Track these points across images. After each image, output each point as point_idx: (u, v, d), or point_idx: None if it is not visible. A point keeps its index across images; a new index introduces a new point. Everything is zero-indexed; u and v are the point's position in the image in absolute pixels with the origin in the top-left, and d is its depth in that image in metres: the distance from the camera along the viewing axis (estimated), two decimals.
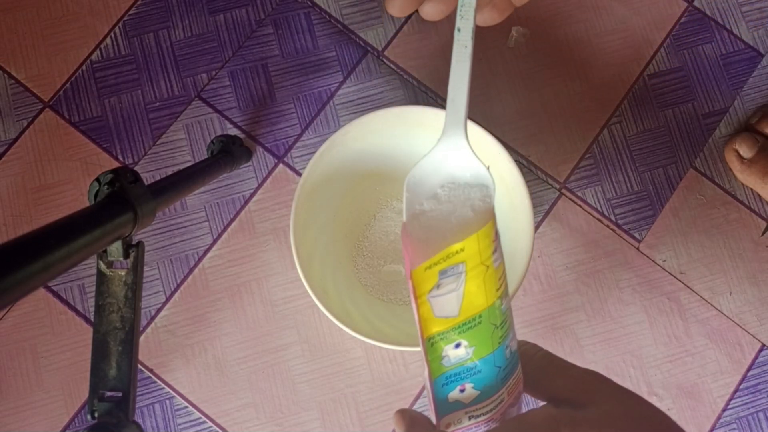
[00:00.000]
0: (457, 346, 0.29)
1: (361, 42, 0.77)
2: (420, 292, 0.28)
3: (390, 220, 0.71)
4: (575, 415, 0.28)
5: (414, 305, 0.28)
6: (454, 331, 0.28)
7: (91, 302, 0.72)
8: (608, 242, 0.74)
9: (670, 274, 0.74)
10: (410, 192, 0.33)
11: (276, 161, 0.75)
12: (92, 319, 0.55)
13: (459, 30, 0.36)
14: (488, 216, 0.28)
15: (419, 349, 0.58)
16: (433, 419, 0.31)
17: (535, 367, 0.31)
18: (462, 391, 0.30)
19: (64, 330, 0.71)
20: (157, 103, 0.75)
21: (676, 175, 0.76)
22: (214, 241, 0.73)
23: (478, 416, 0.30)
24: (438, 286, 0.28)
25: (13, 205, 0.73)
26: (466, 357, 0.29)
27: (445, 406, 0.30)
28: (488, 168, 0.31)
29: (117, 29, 0.76)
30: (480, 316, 0.28)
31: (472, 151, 0.32)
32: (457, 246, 0.27)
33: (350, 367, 0.72)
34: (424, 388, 0.72)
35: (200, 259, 0.73)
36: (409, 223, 0.30)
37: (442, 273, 0.27)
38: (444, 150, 0.33)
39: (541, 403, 0.31)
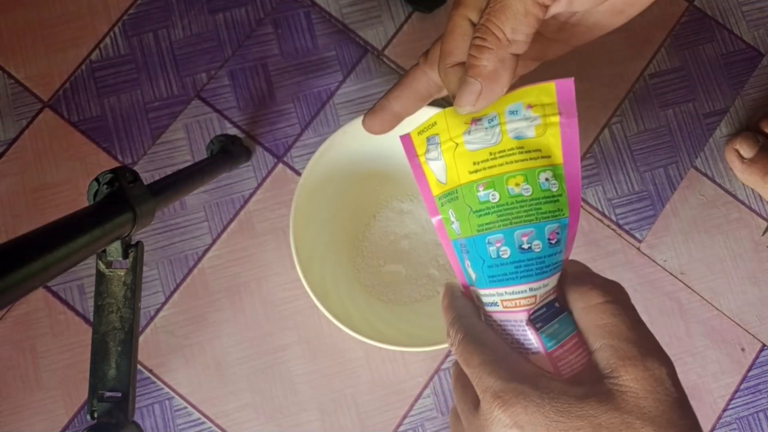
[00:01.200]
0: (452, 214, 0.31)
1: (360, 41, 0.77)
2: (419, 152, 0.32)
3: (390, 220, 0.70)
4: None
5: (417, 164, 0.32)
6: (445, 198, 0.31)
7: (91, 302, 0.72)
8: (609, 242, 0.74)
9: (671, 274, 0.74)
10: None
11: (276, 161, 0.75)
12: (91, 320, 0.55)
13: None
14: None
15: (420, 349, 0.58)
16: (458, 278, 0.32)
17: (583, 306, 0.28)
18: (468, 266, 0.31)
19: (64, 330, 0.71)
20: (157, 103, 0.75)
21: (677, 174, 0.76)
22: (214, 241, 0.73)
23: (485, 303, 0.31)
24: (427, 150, 0.31)
25: (12, 204, 0.73)
26: (458, 231, 0.31)
27: (465, 274, 0.32)
28: None
29: (116, 29, 0.76)
30: (456, 191, 0.30)
31: None
32: (432, 118, 0.30)
33: (350, 368, 0.72)
34: (424, 388, 0.72)
35: (199, 259, 0.73)
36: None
37: (429, 140, 0.31)
38: None
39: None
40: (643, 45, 0.78)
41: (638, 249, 0.74)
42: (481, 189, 0.29)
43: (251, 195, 0.74)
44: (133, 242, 0.46)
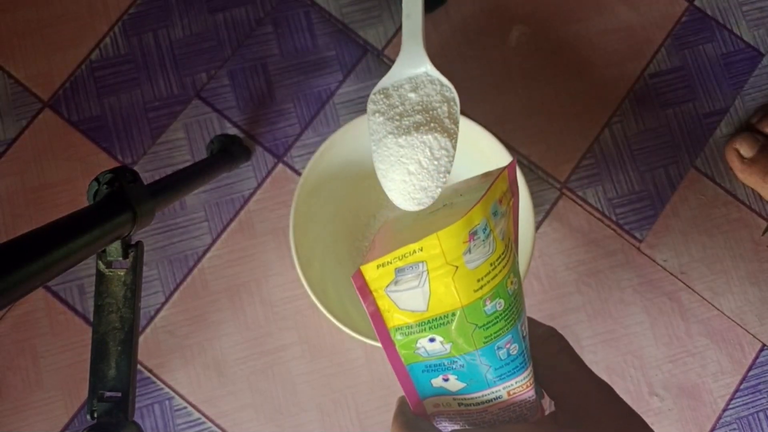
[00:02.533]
0: (432, 340, 0.29)
1: (360, 41, 0.77)
2: (374, 287, 0.28)
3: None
4: None
5: (367, 299, 0.28)
6: (425, 326, 0.28)
7: (91, 302, 0.72)
8: (609, 242, 0.74)
9: (671, 274, 0.74)
10: (374, 103, 0.36)
11: (275, 161, 0.74)
12: (91, 319, 0.55)
13: None
14: (458, 216, 0.28)
15: None
16: (407, 397, 0.31)
17: (546, 364, 0.31)
18: (446, 380, 0.30)
19: (64, 330, 0.71)
20: (157, 103, 0.75)
21: (677, 174, 0.76)
22: (214, 241, 0.73)
23: (469, 405, 0.30)
24: (396, 282, 0.28)
25: (12, 204, 0.73)
26: (443, 351, 0.29)
27: (427, 389, 0.30)
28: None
29: (116, 28, 0.76)
30: (453, 315, 0.28)
31: (433, 67, 0.36)
32: (413, 246, 0.27)
33: (350, 368, 0.72)
34: None
35: (199, 259, 0.73)
36: (390, 223, 0.31)
37: (399, 270, 0.27)
38: (404, 62, 0.36)
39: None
40: (643, 45, 0.78)
41: (638, 249, 0.74)
42: (488, 303, 0.28)
43: (251, 195, 0.74)
44: (133, 242, 0.46)
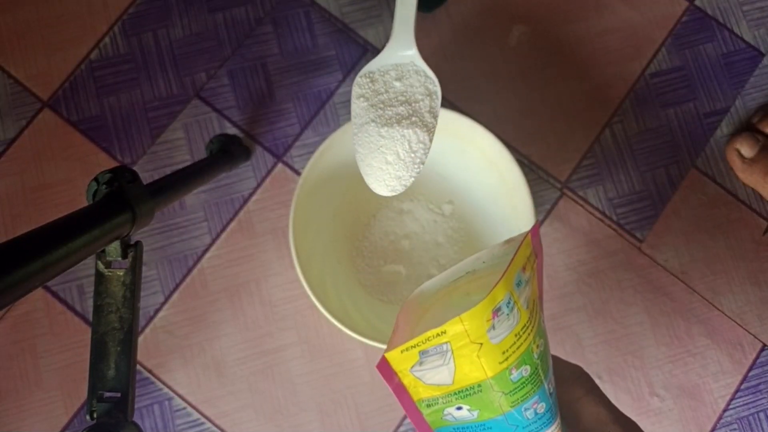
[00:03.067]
0: (459, 408, 0.29)
1: (360, 41, 0.77)
2: (399, 368, 0.29)
3: (390, 220, 0.70)
4: None
5: (392, 380, 0.29)
6: (451, 397, 0.29)
7: (90, 302, 0.71)
8: (610, 242, 0.74)
9: (672, 274, 0.74)
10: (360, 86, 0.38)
11: (275, 160, 0.74)
12: (91, 320, 0.55)
13: None
14: (481, 283, 0.28)
15: None
16: None
17: (573, 407, 0.32)
18: None
19: (63, 330, 0.71)
20: (156, 102, 0.75)
21: (678, 174, 0.76)
22: (213, 241, 0.73)
23: None
24: (420, 363, 0.28)
25: (11, 204, 0.73)
26: (471, 417, 0.29)
27: None
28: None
29: (116, 28, 0.76)
30: (480, 386, 0.28)
31: (420, 57, 0.39)
32: (436, 330, 0.27)
33: (350, 368, 0.72)
34: None
35: (199, 259, 0.73)
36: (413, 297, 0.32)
37: (423, 353, 0.28)
38: (394, 46, 0.38)
39: None
40: (643, 45, 0.78)
41: (639, 249, 0.74)
42: (514, 371, 0.28)
43: (251, 195, 0.74)
44: (132, 242, 0.46)
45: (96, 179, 0.43)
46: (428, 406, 0.30)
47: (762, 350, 0.73)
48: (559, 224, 0.74)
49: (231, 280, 0.72)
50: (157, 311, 0.72)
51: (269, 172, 0.74)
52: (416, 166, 0.40)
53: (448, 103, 0.76)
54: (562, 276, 0.73)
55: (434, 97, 0.42)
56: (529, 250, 0.30)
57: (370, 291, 0.69)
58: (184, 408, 0.70)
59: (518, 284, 0.29)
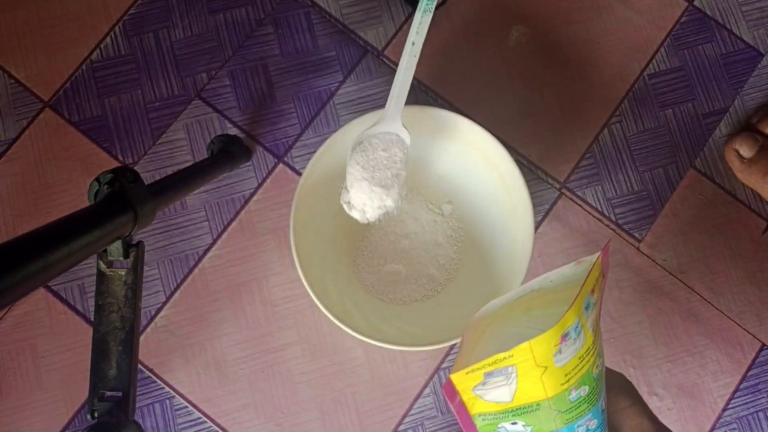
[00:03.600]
0: (514, 423, 0.30)
1: (361, 41, 0.77)
2: (461, 388, 0.29)
3: (390, 219, 0.71)
4: None
5: (453, 398, 0.30)
6: (508, 414, 0.29)
7: (91, 302, 0.72)
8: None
9: (671, 273, 0.74)
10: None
11: (276, 161, 0.75)
12: (92, 319, 0.55)
13: (413, 44, 0.44)
14: (546, 300, 0.29)
15: (420, 348, 0.58)
16: None
17: (617, 417, 0.32)
18: None
19: (64, 330, 0.71)
20: (157, 103, 0.75)
21: (677, 174, 0.76)
22: (214, 241, 0.73)
23: None
24: (484, 383, 0.29)
25: (13, 204, 0.73)
26: (523, 431, 0.30)
27: None
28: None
29: (117, 29, 0.76)
30: (538, 405, 0.29)
31: (405, 131, 0.51)
32: (504, 354, 0.28)
33: (350, 367, 0.72)
34: (424, 388, 0.72)
35: (200, 259, 0.73)
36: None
37: (488, 374, 0.28)
38: (384, 127, 0.50)
39: None
40: (642, 45, 0.78)
41: (638, 248, 0.75)
42: (573, 392, 0.29)
43: (252, 195, 0.74)
44: (133, 242, 0.46)
45: (97, 179, 0.43)
46: (483, 420, 0.30)
47: (761, 350, 0.74)
48: (557, 224, 0.75)
49: (232, 279, 0.73)
50: (158, 311, 0.72)
51: (270, 172, 0.74)
52: (386, 204, 0.56)
53: (447, 103, 0.76)
54: None
55: (406, 150, 0.57)
56: (598, 272, 0.30)
57: (370, 290, 0.69)
58: (185, 407, 0.71)
59: (587, 307, 0.29)
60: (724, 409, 0.73)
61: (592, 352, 0.29)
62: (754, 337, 0.74)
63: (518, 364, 0.28)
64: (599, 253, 0.30)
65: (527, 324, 0.27)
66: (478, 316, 0.33)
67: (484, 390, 0.29)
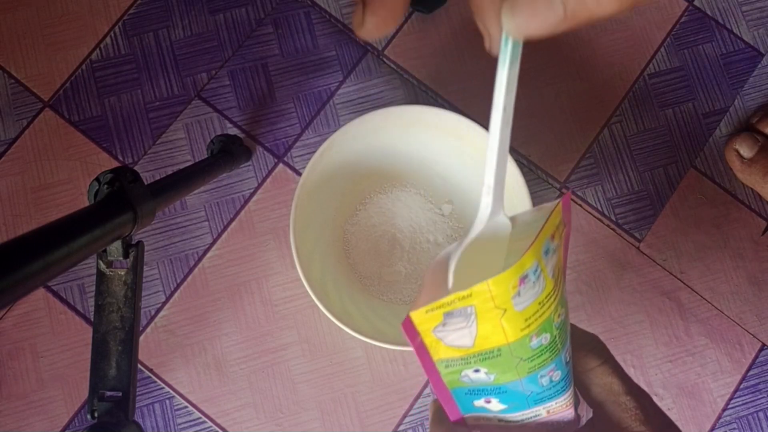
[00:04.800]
0: (477, 371, 0.29)
1: (361, 41, 0.77)
2: (422, 328, 0.29)
3: (390, 220, 0.71)
4: None
5: (414, 339, 0.29)
6: (470, 359, 0.29)
7: (91, 302, 0.72)
8: (608, 242, 0.74)
9: (671, 273, 0.74)
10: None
11: (276, 161, 0.75)
12: (92, 319, 0.55)
13: (504, 109, 0.33)
14: (509, 265, 0.28)
15: None
16: (448, 412, 0.32)
17: (586, 376, 0.32)
18: (488, 402, 0.31)
19: (64, 330, 0.71)
20: (157, 103, 0.75)
21: (677, 174, 0.76)
22: (214, 241, 0.73)
23: (509, 422, 0.32)
24: (444, 324, 0.28)
25: (12, 204, 0.73)
26: (487, 380, 0.30)
27: (469, 408, 0.32)
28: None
29: (117, 28, 0.76)
30: (499, 350, 0.28)
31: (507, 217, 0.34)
32: (462, 293, 0.27)
33: (350, 367, 0.72)
34: (424, 387, 0.72)
35: (200, 259, 0.73)
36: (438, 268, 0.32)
37: (448, 314, 0.28)
38: (487, 234, 0.33)
39: None
40: (642, 45, 0.78)
41: (638, 248, 0.75)
42: (534, 339, 0.29)
43: (251, 195, 0.74)
44: (133, 242, 0.46)
45: (97, 179, 0.43)
46: (447, 366, 0.30)
47: (761, 350, 0.74)
48: None
49: (232, 279, 0.73)
50: (158, 311, 0.72)
51: (270, 172, 0.74)
52: None
53: (447, 103, 0.76)
54: None
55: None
56: (558, 218, 0.29)
57: (370, 290, 0.69)
58: (185, 407, 0.71)
59: (546, 252, 0.28)
60: (724, 409, 0.73)
61: (552, 299, 0.28)
62: (754, 337, 0.74)
63: (477, 305, 0.27)
64: (559, 200, 0.30)
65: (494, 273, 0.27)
66: (441, 257, 0.33)
67: (444, 332, 0.29)
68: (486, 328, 0.28)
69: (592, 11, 0.20)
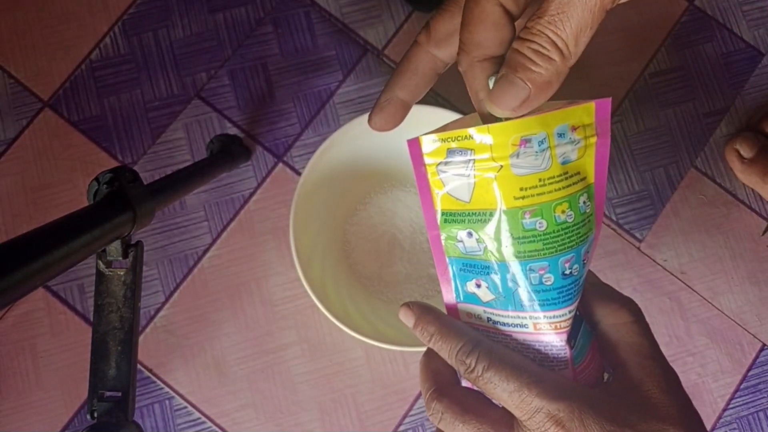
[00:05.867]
0: (470, 234, 0.29)
1: (360, 41, 0.77)
2: (429, 160, 0.29)
3: (390, 220, 0.70)
4: None
5: (419, 170, 0.29)
6: (465, 216, 0.29)
7: (91, 302, 0.72)
8: (609, 242, 0.74)
9: (671, 273, 0.74)
10: None
11: (275, 160, 0.74)
12: (91, 319, 0.55)
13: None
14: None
15: (420, 349, 0.58)
16: (444, 296, 0.31)
17: (614, 332, 0.31)
18: (478, 286, 0.30)
19: (64, 330, 0.71)
20: (157, 102, 0.75)
21: (677, 174, 0.76)
22: (214, 241, 0.73)
23: (496, 323, 0.30)
24: (446, 162, 0.29)
25: (12, 204, 0.73)
26: (478, 251, 0.29)
27: (461, 293, 0.31)
28: None
29: (116, 28, 0.76)
30: (491, 214, 0.28)
31: None
32: (465, 131, 0.27)
33: (350, 368, 0.72)
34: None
35: (199, 259, 0.73)
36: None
37: (450, 152, 0.28)
38: None
39: None
40: (643, 44, 0.78)
41: (638, 248, 0.74)
42: (527, 216, 0.28)
43: (251, 195, 0.74)
44: (132, 242, 0.46)
45: (97, 179, 0.43)
46: (445, 220, 0.30)
47: (761, 350, 0.73)
48: None
49: (231, 279, 0.72)
50: (157, 311, 0.72)
51: (269, 172, 0.74)
52: None
53: (447, 103, 0.76)
54: None
55: None
56: (589, 118, 0.29)
57: (370, 290, 0.69)
58: (185, 407, 0.71)
59: (560, 135, 0.28)
60: (725, 409, 0.72)
61: (558, 187, 0.28)
62: (755, 337, 0.74)
63: (476, 150, 0.27)
64: (593, 101, 0.29)
65: None
66: (469, 116, 0.33)
67: (446, 173, 0.29)
68: (482, 182, 0.28)
69: (552, 84, 0.27)
